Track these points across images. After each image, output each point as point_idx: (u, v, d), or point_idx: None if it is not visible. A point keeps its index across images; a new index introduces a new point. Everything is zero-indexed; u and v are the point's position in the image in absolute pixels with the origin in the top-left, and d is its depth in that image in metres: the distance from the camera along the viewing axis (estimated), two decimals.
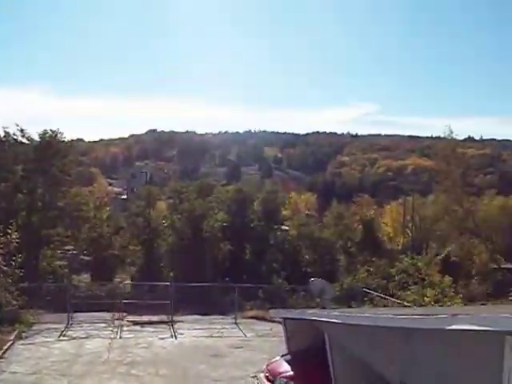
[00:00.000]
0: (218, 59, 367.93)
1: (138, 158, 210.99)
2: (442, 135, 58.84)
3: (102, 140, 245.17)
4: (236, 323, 29.73)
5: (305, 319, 14.56)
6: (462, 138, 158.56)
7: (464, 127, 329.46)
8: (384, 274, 38.30)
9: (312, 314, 14.27)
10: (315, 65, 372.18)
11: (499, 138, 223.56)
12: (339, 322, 12.05)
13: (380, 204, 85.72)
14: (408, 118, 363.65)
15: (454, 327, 7.33)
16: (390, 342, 10.77)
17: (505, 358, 7.10)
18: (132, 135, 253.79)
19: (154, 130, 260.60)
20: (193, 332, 27.15)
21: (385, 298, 30.13)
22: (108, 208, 46.02)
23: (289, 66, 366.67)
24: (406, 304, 26.82)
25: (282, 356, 17.00)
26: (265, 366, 16.81)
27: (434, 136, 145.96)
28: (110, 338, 24.93)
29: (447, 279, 31.52)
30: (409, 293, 30.81)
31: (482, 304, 33.81)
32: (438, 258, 45.13)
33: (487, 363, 7.62)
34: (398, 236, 73.62)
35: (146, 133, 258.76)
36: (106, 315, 29.41)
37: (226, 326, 28.87)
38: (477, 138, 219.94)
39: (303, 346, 16.52)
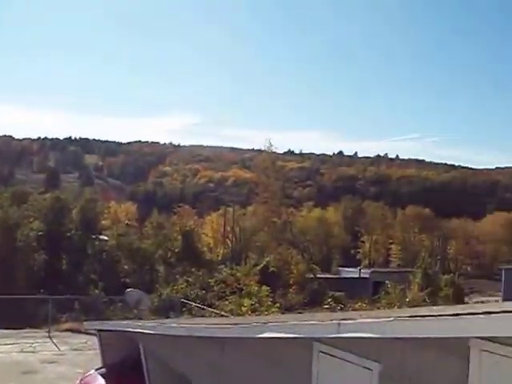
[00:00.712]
0: (40, 63, 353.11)
1: None
2: (263, 148, 60.46)
3: None
4: (50, 336, 28.43)
5: (119, 331, 14.15)
6: (282, 151, 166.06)
7: (284, 140, 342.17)
8: (203, 284, 38.62)
9: (126, 325, 13.90)
10: (137, 73, 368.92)
11: (318, 152, 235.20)
12: (154, 332, 11.84)
13: (201, 215, 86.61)
14: (230, 129, 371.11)
15: (264, 335, 7.40)
16: (205, 352, 10.73)
17: (313, 363, 7.35)
18: None
19: None
20: (2, 348, 25.53)
21: (203, 309, 30.24)
22: None
23: (113, 73, 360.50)
24: (223, 314, 27.06)
25: (97, 369, 16.40)
26: (78, 381, 16.13)
27: (255, 148, 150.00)
28: None
29: (264, 289, 32.38)
30: (227, 303, 31.22)
31: (299, 312, 35.06)
32: (257, 268, 46.14)
33: (298, 369, 7.83)
34: (219, 246, 74.77)
35: None
36: None
37: (39, 340, 27.48)
38: (297, 151, 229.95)
39: (119, 358, 16.06)
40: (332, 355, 6.98)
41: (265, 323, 7.63)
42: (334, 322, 6.16)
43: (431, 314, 5.02)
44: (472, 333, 4.84)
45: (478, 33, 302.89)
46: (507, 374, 4.88)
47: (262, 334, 7.51)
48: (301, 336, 6.94)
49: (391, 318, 5.41)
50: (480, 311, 4.61)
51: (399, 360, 6.06)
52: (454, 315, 4.74)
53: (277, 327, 7.31)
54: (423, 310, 7.02)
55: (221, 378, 10.16)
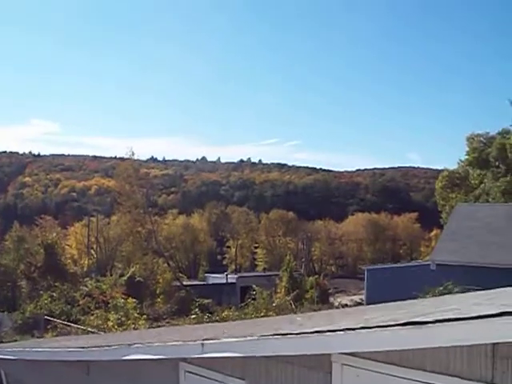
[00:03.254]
0: None
1: None
2: (125, 156, 59.52)
3: None
4: None
5: None
6: (145, 158, 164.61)
7: (147, 148, 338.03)
8: (68, 298, 37.43)
9: None
10: None
11: (181, 158, 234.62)
12: (14, 358, 11.30)
13: (64, 226, 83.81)
14: (91, 138, 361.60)
15: (129, 357, 7.24)
16: (70, 374, 10.37)
17: (180, 382, 7.34)
18: None
19: None
20: None
21: (68, 325, 29.26)
22: None
23: None
24: (89, 330, 26.32)
25: None
26: None
27: (117, 157, 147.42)
28: None
29: (131, 301, 31.82)
30: (92, 318, 30.41)
31: (167, 322, 34.78)
32: (123, 278, 45.27)
33: None
34: (83, 258, 72.78)
35: None
36: None
37: None
38: (160, 158, 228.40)
39: None
40: (198, 374, 6.94)
41: (129, 345, 7.45)
42: (198, 342, 6.10)
43: (293, 332, 5.06)
44: (333, 349, 4.94)
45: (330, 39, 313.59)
46: None
47: (126, 356, 7.35)
48: (166, 357, 6.85)
49: (254, 338, 5.42)
50: (340, 328, 4.70)
51: (264, 376, 6.10)
52: (315, 332, 4.80)
53: (141, 349, 7.17)
54: (285, 325, 7.11)
55: None
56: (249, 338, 5.54)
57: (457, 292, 24.16)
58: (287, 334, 5.06)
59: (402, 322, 4.23)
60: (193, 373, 7.02)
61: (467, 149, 60.19)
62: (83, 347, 8.92)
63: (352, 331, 4.53)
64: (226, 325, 11.54)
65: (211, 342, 5.94)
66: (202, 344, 5.99)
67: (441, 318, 4.04)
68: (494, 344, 4.11)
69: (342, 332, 4.59)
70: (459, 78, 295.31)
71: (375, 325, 4.50)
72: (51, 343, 12.63)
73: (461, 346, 4.11)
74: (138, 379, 8.41)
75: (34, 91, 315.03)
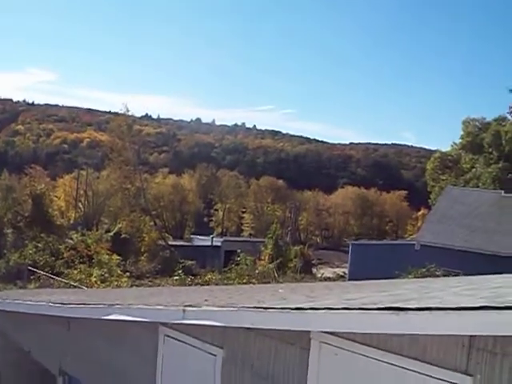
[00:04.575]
0: None
1: None
2: (120, 111, 59.04)
3: None
4: None
5: None
6: (139, 115, 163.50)
7: (142, 105, 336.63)
8: (53, 250, 37.45)
9: None
10: None
11: (176, 118, 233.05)
12: None
13: (53, 177, 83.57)
14: (87, 90, 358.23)
15: (110, 317, 7.27)
16: (49, 328, 10.43)
17: (159, 346, 7.38)
18: None
19: None
20: None
21: (52, 277, 29.36)
22: None
23: None
24: (72, 284, 26.42)
25: None
26: None
27: (112, 111, 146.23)
28: None
29: (115, 258, 31.92)
30: (76, 272, 30.52)
31: (150, 281, 34.90)
32: (109, 234, 45.31)
33: (143, 350, 7.82)
34: (70, 210, 72.75)
35: None
36: None
37: None
38: (154, 116, 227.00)
39: None
40: (177, 339, 7.00)
41: (111, 305, 7.47)
42: (180, 307, 6.14)
43: (275, 306, 5.10)
44: (312, 327, 4.99)
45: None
46: (343, 364, 5.10)
47: (107, 316, 7.37)
48: (146, 320, 6.90)
49: (235, 308, 5.46)
50: (321, 306, 4.74)
51: (243, 347, 6.16)
52: (296, 309, 4.84)
53: (122, 310, 7.19)
54: (268, 297, 7.16)
55: (67, 354, 9.94)
56: (230, 308, 5.58)
57: (439, 275, 24.43)
58: (269, 308, 5.10)
59: (382, 306, 4.27)
60: (172, 337, 7.08)
61: (462, 132, 60.32)
62: (64, 303, 8.95)
63: (333, 311, 4.58)
64: (208, 290, 11.60)
65: (192, 309, 5.97)
66: (184, 310, 6.03)
67: (422, 306, 4.08)
68: (470, 336, 4.17)
69: (323, 311, 4.64)
70: (458, 64, 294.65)
71: (356, 307, 4.54)
72: (33, 296, 12.65)
73: (439, 335, 4.17)
74: (117, 338, 8.48)
75: (31, 38, 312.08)
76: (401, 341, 4.57)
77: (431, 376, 4.41)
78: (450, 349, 4.33)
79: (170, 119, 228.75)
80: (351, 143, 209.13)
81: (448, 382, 4.33)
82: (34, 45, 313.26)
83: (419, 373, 4.48)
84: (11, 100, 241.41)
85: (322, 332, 5.07)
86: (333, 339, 5.04)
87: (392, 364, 4.65)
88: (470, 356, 4.24)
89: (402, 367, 4.58)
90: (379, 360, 4.74)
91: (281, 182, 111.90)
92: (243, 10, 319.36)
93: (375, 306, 4.33)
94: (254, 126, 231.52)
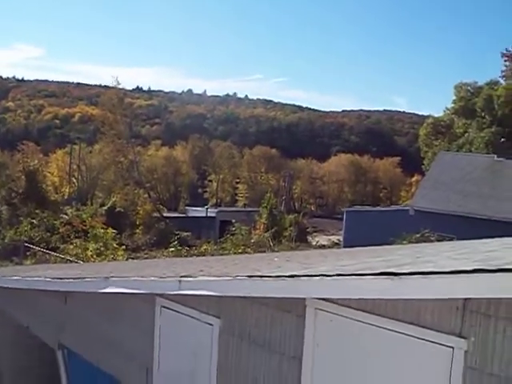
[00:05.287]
0: None
1: None
2: (110, 84, 58.72)
3: None
4: None
5: None
6: (130, 88, 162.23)
7: (132, 77, 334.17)
8: (48, 226, 37.43)
9: None
10: None
11: (167, 89, 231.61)
12: None
13: (46, 152, 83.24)
14: (76, 64, 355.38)
15: (106, 290, 7.30)
16: (46, 303, 10.45)
17: (155, 317, 7.40)
18: None
19: None
20: None
21: (47, 253, 29.36)
22: None
23: None
24: (68, 258, 26.45)
25: None
26: None
27: (102, 85, 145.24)
28: None
29: (110, 231, 31.90)
30: (71, 247, 30.54)
31: (146, 254, 34.97)
32: (104, 208, 45.29)
33: (141, 322, 7.84)
34: (64, 185, 72.63)
35: None
36: None
37: None
38: (145, 88, 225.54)
39: None
40: (174, 310, 7.03)
41: (107, 278, 7.49)
42: (175, 278, 6.17)
43: (269, 274, 5.12)
44: (307, 294, 5.01)
45: None
46: (338, 330, 5.14)
47: (104, 289, 7.39)
48: (143, 292, 6.92)
49: (230, 278, 5.48)
50: (316, 273, 4.76)
51: (239, 316, 6.20)
52: (291, 277, 4.86)
53: (118, 282, 7.21)
54: (263, 265, 7.18)
55: (65, 328, 9.98)
56: (225, 277, 5.61)
57: (433, 240, 24.54)
58: (263, 277, 5.12)
59: (377, 271, 4.29)
60: (169, 308, 7.11)
61: (454, 97, 60.11)
62: (60, 278, 8.97)
63: (328, 277, 4.60)
64: (204, 261, 11.63)
65: (188, 279, 6.00)
66: (179, 281, 6.06)
67: (416, 270, 4.10)
68: (464, 299, 4.19)
69: (317, 278, 4.66)
70: (449, 29, 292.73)
71: (351, 273, 4.57)
72: (30, 272, 12.68)
73: (433, 299, 4.20)
74: (114, 311, 8.50)
75: (16, 14, 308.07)
76: (395, 306, 4.59)
77: (426, 340, 4.45)
78: (444, 312, 4.36)
79: (161, 91, 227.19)
80: (344, 111, 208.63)
81: (443, 345, 4.37)
82: (19, 21, 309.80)
83: (414, 337, 4.51)
84: (0, 77, 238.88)
85: (317, 299, 5.10)
86: (328, 306, 5.07)
87: (387, 329, 4.68)
88: (464, 319, 4.27)
89: (398, 331, 4.61)
90: (374, 325, 4.77)
91: (274, 151, 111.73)
92: None
93: (369, 272, 4.35)
94: (246, 95, 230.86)
